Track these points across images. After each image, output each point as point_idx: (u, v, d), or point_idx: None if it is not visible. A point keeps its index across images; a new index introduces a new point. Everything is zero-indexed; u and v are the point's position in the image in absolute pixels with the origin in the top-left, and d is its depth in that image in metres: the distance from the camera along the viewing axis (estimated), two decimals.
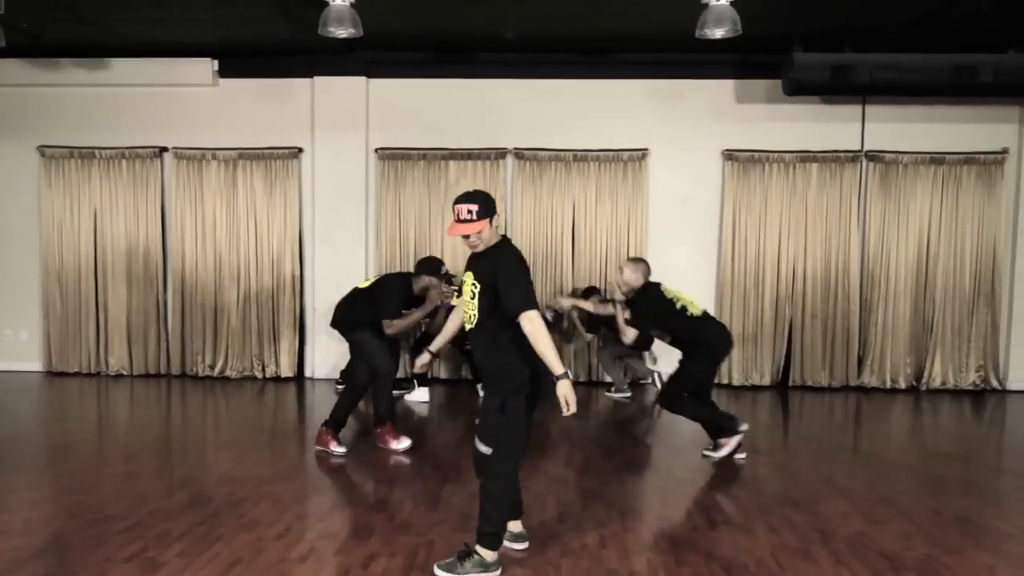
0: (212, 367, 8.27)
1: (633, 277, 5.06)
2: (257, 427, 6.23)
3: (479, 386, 7.05)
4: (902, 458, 5.41)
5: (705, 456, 5.18)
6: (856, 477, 4.90)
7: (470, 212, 3.34)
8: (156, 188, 8.23)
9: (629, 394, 7.53)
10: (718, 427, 5.12)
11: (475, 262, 3.46)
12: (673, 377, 5.34)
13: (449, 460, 5.15)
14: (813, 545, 3.73)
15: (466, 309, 3.47)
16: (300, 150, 8.13)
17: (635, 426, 6.66)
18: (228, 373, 8.23)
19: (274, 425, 6.43)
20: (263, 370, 8.23)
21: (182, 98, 8.16)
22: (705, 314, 5.24)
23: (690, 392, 5.22)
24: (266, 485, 4.54)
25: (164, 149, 8.22)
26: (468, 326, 3.48)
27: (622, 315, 5.30)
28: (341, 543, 3.70)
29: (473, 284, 3.40)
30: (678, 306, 5.08)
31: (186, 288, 8.26)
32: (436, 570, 3.35)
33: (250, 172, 8.14)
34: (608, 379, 7.76)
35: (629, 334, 5.24)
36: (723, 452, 5.10)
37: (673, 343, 5.45)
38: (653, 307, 5.07)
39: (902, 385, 7.96)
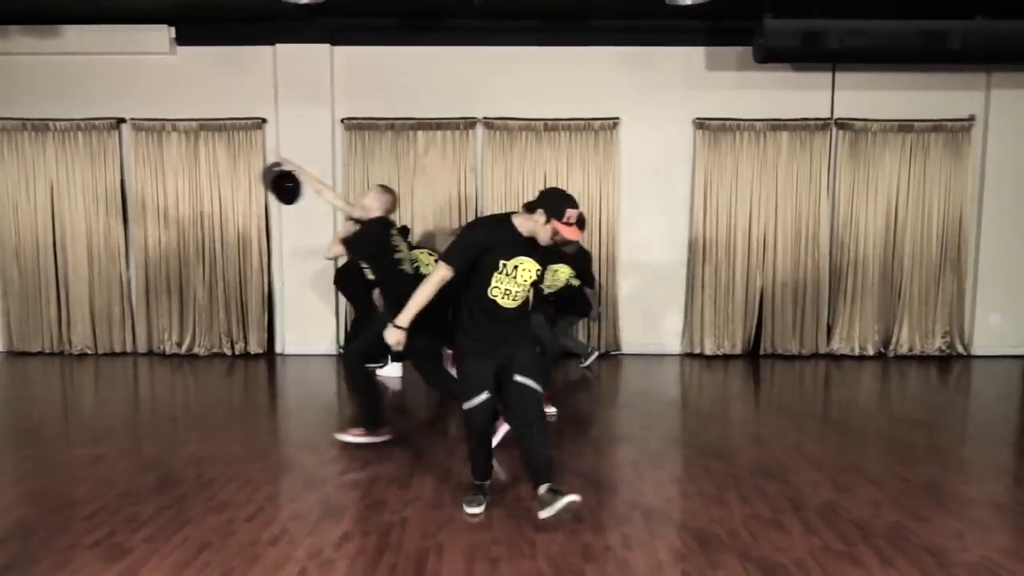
0: (180, 344, 8.12)
1: (373, 204, 4.78)
2: (227, 405, 6.13)
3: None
4: (871, 425, 5.49)
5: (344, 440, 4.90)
6: (826, 445, 4.96)
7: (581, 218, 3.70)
8: (114, 161, 7.98)
9: (595, 355, 7.56)
10: (371, 417, 4.91)
11: (532, 249, 3.66)
12: (365, 330, 5.42)
13: (421, 437, 5.11)
14: (784, 514, 3.77)
15: (515, 289, 3.66)
16: (263, 120, 7.91)
17: (607, 397, 6.68)
18: (196, 350, 8.09)
19: (244, 403, 6.33)
20: (232, 347, 8.10)
21: (139, 67, 7.88)
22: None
23: (365, 354, 5.02)
24: (236, 465, 4.47)
25: (122, 120, 7.95)
26: (511, 304, 3.67)
27: (343, 233, 4.99)
28: (313, 523, 3.65)
29: (538, 271, 3.68)
30: (395, 255, 4.78)
31: (150, 264, 8.07)
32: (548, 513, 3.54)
33: (212, 144, 7.91)
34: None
35: (333, 250, 5.02)
36: (352, 439, 4.88)
37: (375, 283, 5.48)
38: (375, 237, 4.77)
39: (870, 352, 8.07)
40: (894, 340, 8.09)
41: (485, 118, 7.88)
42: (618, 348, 8.14)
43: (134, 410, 6.06)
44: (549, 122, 7.85)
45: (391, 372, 7.05)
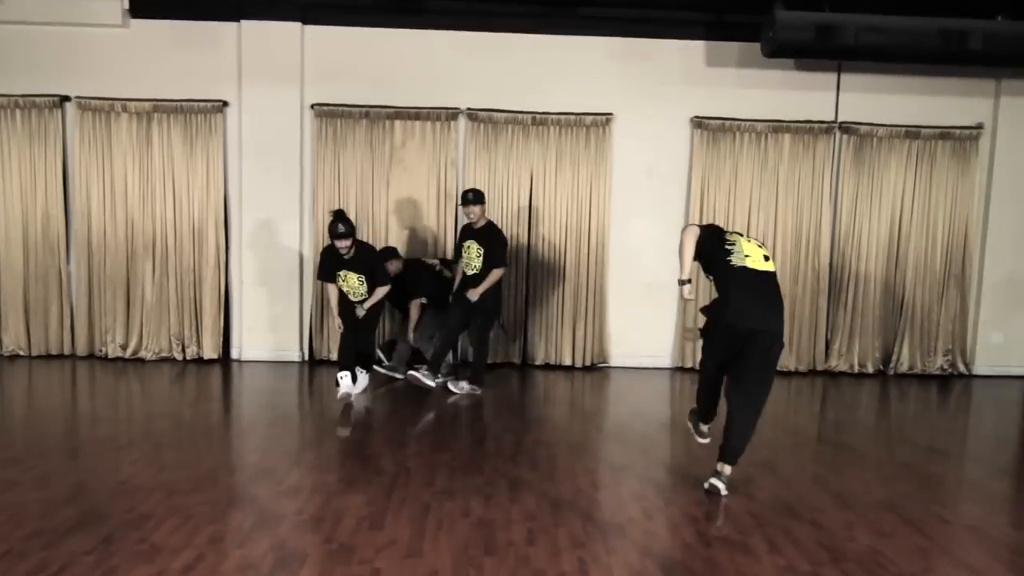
0: (124, 347, 7.36)
1: None
2: (172, 419, 5.41)
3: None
4: (891, 454, 5.01)
5: None
6: (849, 477, 4.44)
7: None
8: (57, 143, 7.21)
9: (400, 376, 6.57)
10: None
11: None
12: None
13: (395, 462, 4.48)
14: (823, 567, 3.22)
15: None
16: (225, 104, 7.21)
17: (599, 416, 6.12)
18: (143, 354, 7.35)
19: (193, 417, 5.61)
20: (183, 351, 7.37)
21: (87, 40, 7.13)
22: None
23: None
24: (176, 496, 3.79)
25: (66, 98, 7.19)
26: None
27: None
28: None
29: None
30: None
31: (93, 258, 7.30)
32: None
33: (167, 127, 7.19)
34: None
35: None
36: None
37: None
38: None
39: (870, 370, 7.64)
40: (895, 358, 7.66)
41: (469, 109, 7.28)
42: (605, 360, 7.59)
43: (65, 424, 5.32)
44: (538, 115, 7.28)
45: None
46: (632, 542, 3.43)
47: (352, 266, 5.97)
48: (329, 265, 6.03)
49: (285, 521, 3.54)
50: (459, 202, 5.99)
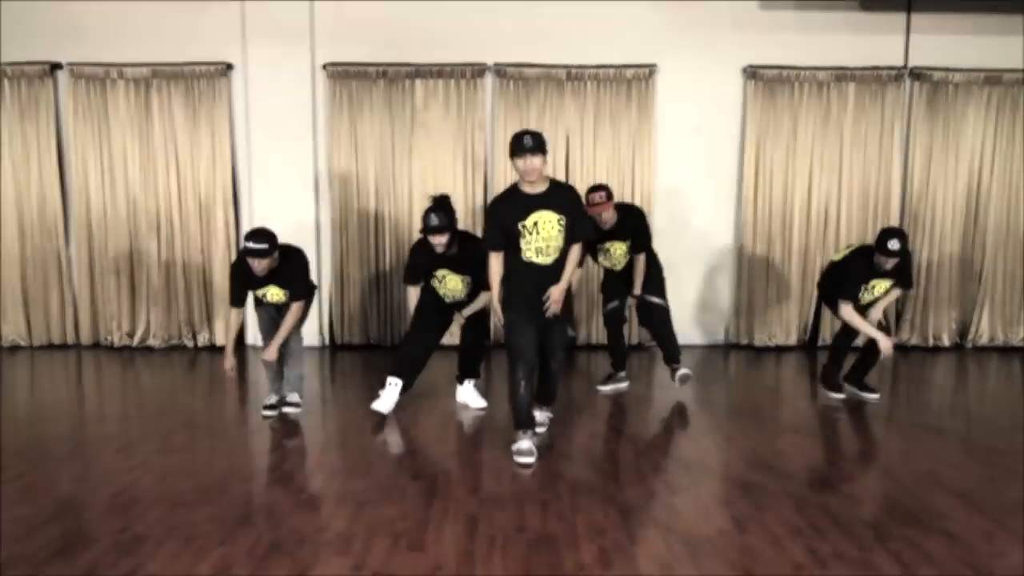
0: (131, 335, 6.84)
1: None
2: (180, 415, 4.85)
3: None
4: (1005, 442, 4.32)
5: None
6: (968, 473, 3.77)
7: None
8: (49, 115, 6.65)
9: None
10: None
11: None
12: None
13: (432, 463, 3.88)
14: None
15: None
16: (229, 67, 6.59)
17: (656, 401, 5.47)
18: (151, 342, 6.82)
19: (203, 413, 5.05)
20: (194, 338, 6.83)
21: (79, 1, 6.52)
22: None
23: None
24: (179, 511, 3.22)
25: (57, 66, 6.60)
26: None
27: None
28: None
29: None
30: None
31: (94, 240, 6.76)
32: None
33: (167, 94, 6.59)
34: None
35: None
36: None
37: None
38: None
39: (945, 343, 6.93)
40: (973, 329, 6.94)
41: (497, 64, 6.60)
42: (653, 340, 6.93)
43: (62, 422, 4.76)
44: (573, 70, 6.58)
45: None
46: (729, 563, 2.79)
47: (454, 266, 4.61)
48: (423, 267, 4.66)
49: (306, 542, 2.94)
50: (510, 151, 3.84)
